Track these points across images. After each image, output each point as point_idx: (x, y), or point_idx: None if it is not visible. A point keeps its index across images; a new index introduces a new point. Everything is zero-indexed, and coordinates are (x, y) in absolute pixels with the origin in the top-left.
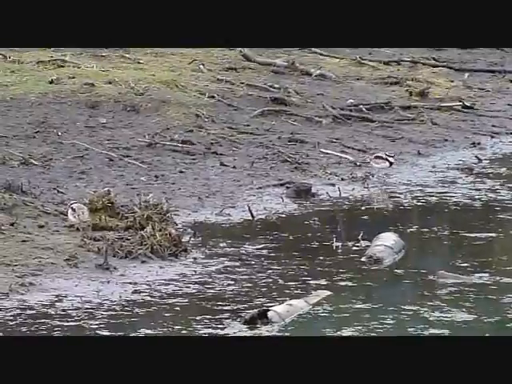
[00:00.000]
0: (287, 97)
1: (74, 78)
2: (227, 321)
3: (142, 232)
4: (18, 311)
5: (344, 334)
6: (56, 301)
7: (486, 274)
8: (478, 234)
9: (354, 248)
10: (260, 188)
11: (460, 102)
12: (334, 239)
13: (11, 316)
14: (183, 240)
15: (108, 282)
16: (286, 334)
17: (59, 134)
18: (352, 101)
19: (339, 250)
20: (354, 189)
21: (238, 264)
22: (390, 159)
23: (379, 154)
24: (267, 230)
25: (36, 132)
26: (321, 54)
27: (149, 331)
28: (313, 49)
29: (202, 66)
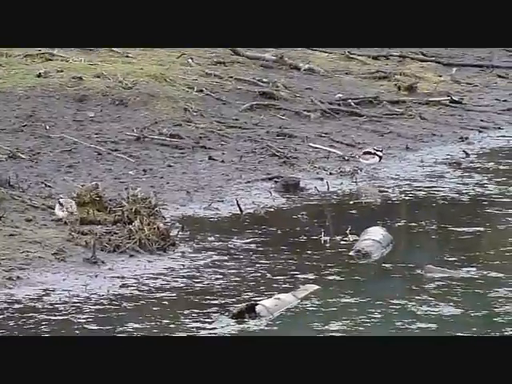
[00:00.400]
0: (276, 91)
1: (62, 71)
2: (215, 315)
3: (130, 226)
4: (6, 305)
5: (332, 328)
6: (44, 295)
7: (474, 269)
8: (465, 229)
9: (342, 242)
10: (248, 182)
11: (448, 96)
12: (323, 233)
13: None
14: (171, 234)
15: (96, 276)
16: (274, 328)
17: (47, 127)
18: (340, 95)
19: (327, 245)
20: (342, 183)
21: (226, 258)
22: (379, 153)
23: (367, 150)
24: (255, 224)
25: (24, 126)
26: (309, 49)
27: (137, 325)
28: None
29: (190, 60)
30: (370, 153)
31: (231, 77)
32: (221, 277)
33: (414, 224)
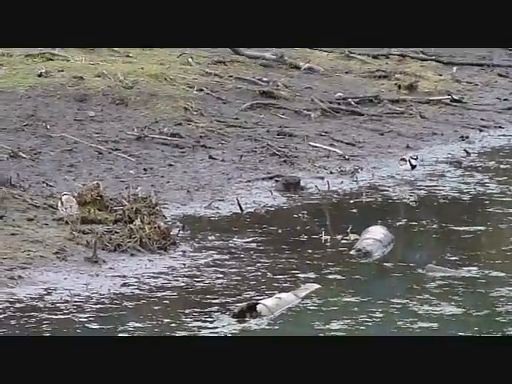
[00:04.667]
0: (276, 90)
1: (62, 71)
2: (216, 314)
3: (130, 225)
4: (7, 304)
5: (333, 327)
6: (45, 294)
7: (475, 268)
8: (466, 228)
9: (343, 241)
10: (249, 181)
11: (448, 95)
12: (323, 232)
13: (0, 309)
14: (172, 233)
15: (97, 275)
16: (275, 328)
17: (48, 127)
18: (341, 94)
19: (328, 244)
20: (342, 182)
21: (226, 257)
22: (412, 162)
23: (403, 157)
24: (256, 223)
25: (25, 125)
26: (309, 48)
27: (138, 324)
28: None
29: (190, 60)
30: (405, 159)
31: (231, 76)
32: (221, 276)
33: (414, 223)
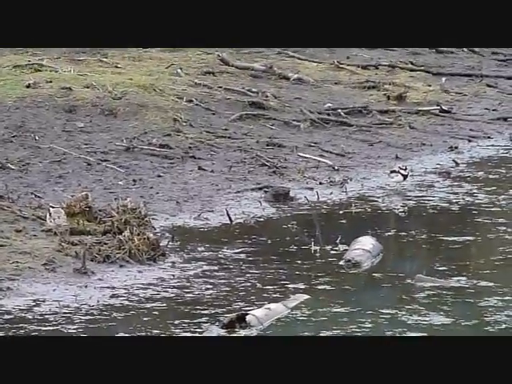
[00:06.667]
0: (265, 101)
1: (51, 82)
2: (206, 325)
3: (119, 236)
4: None
5: (322, 338)
6: (34, 305)
7: (464, 278)
8: (455, 238)
9: (333, 252)
10: (238, 192)
11: (437, 106)
12: (312, 243)
13: None
14: (161, 244)
15: (86, 286)
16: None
17: (36, 138)
18: (330, 105)
19: (317, 254)
20: (332, 193)
21: (216, 268)
22: (403, 172)
23: (393, 169)
24: (245, 234)
25: (13, 136)
26: (298, 58)
27: (127, 335)
28: (290, 53)
29: (179, 70)
30: (395, 171)
31: (220, 87)
32: (211, 287)
33: (403, 233)
